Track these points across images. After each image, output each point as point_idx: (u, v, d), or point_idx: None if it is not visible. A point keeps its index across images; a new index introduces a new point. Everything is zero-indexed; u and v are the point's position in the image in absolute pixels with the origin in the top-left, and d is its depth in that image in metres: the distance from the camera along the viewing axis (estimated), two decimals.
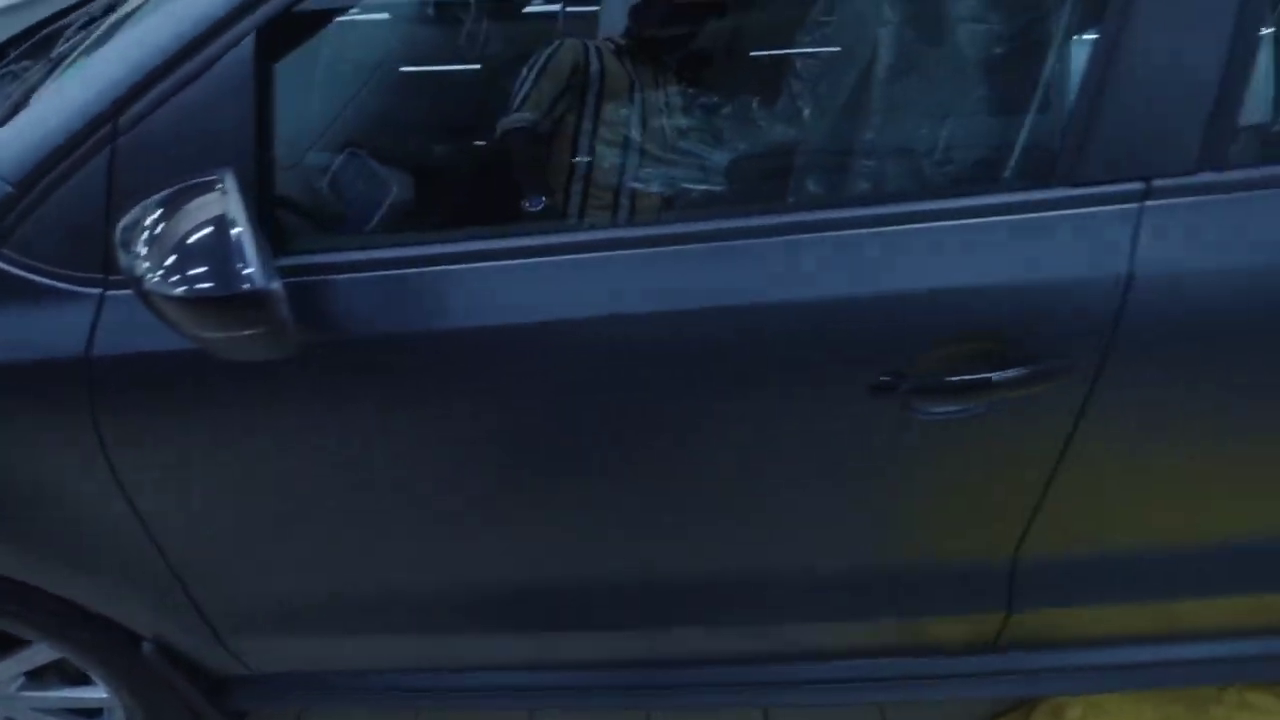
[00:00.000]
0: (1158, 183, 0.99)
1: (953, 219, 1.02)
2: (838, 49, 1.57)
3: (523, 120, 1.53)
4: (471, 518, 1.19)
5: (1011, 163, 1.09)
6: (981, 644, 1.37)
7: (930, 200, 1.05)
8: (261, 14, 0.93)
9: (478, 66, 1.63)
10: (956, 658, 1.40)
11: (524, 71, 1.51)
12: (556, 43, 1.49)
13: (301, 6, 0.96)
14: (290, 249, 1.04)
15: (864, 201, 1.16)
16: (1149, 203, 0.99)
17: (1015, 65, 1.15)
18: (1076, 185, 0.99)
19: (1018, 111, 1.08)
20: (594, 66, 1.60)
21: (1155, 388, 1.05)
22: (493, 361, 1.06)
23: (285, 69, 1.04)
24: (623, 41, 1.71)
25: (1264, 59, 1.05)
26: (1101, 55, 0.96)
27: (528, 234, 1.07)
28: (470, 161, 1.55)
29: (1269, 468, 1.15)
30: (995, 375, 1.03)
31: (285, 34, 0.99)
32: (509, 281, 1.04)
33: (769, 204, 1.25)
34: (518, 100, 1.54)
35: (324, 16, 1.06)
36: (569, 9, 1.87)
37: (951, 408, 1.06)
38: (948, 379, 1.04)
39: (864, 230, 1.03)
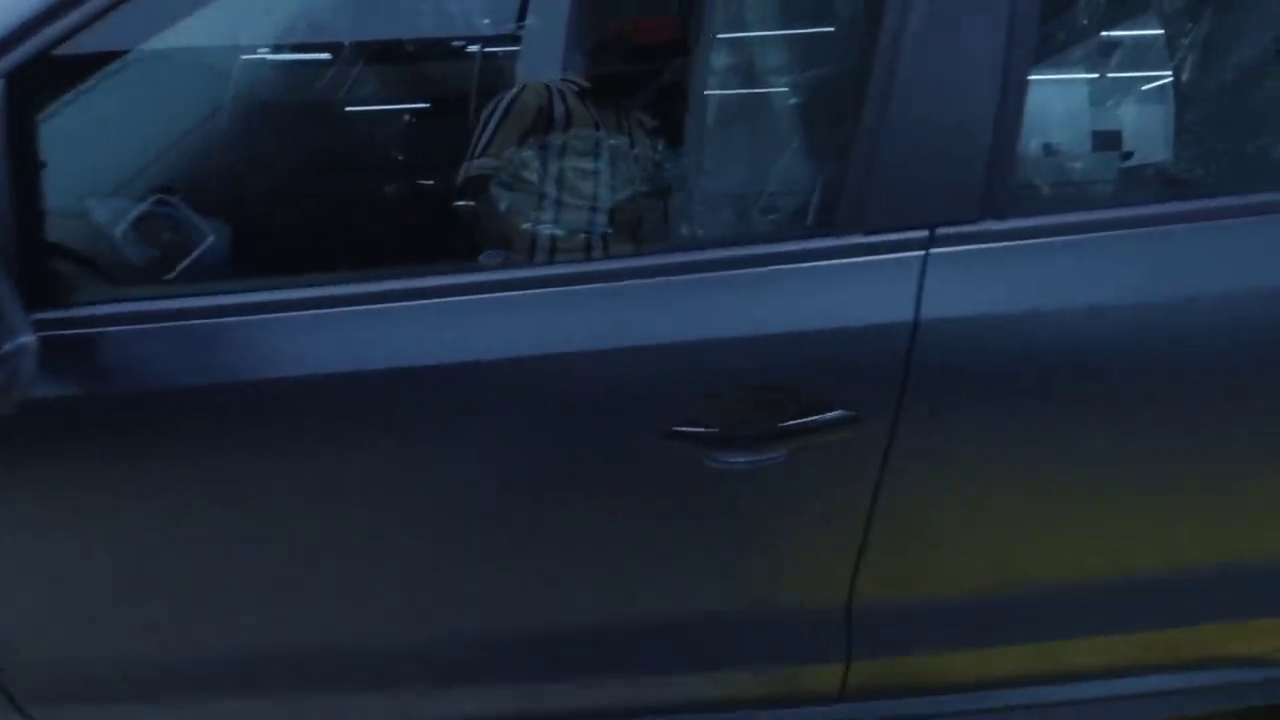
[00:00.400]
0: (941, 230, 0.99)
1: (750, 266, 1.01)
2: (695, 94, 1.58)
3: (486, 167, 1.48)
4: (275, 571, 1.14)
5: (810, 210, 1.09)
6: (827, 694, 1.35)
7: (730, 248, 1.04)
8: (9, 61, 0.90)
9: (312, 111, 1.60)
10: (806, 708, 1.37)
11: (485, 114, 1.46)
12: (520, 85, 1.44)
13: (61, 51, 0.93)
14: (66, 300, 1.00)
15: (667, 250, 1.15)
16: (934, 250, 0.99)
17: (812, 114, 1.15)
18: (867, 233, 0.99)
19: (815, 159, 1.08)
20: (558, 109, 1.57)
21: (954, 432, 1.04)
22: (298, 411, 1.02)
23: (69, 116, 1.00)
24: (585, 83, 1.69)
25: (1046, 112, 1.06)
26: (877, 105, 0.96)
27: (349, 282, 1.05)
28: (299, 209, 1.52)
29: (1080, 508, 1.14)
30: (791, 424, 1.01)
31: (45, 80, 0.95)
32: (327, 330, 1.01)
33: (581, 253, 1.24)
34: (479, 146, 1.50)
35: (97, 60, 1.03)
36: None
37: (751, 457, 1.04)
38: (743, 428, 1.02)
39: (661, 278, 1.01)
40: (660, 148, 1.77)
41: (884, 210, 0.98)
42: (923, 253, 0.98)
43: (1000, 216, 0.99)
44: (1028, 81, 0.95)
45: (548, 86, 1.47)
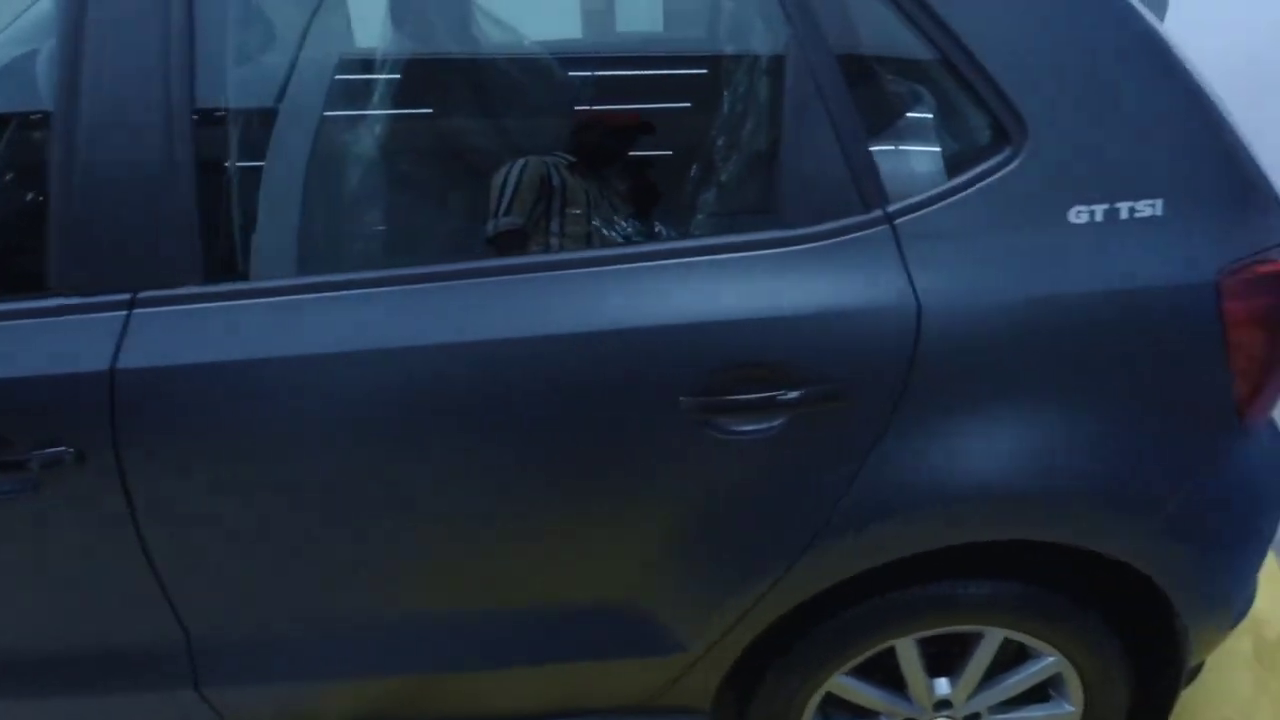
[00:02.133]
0: (143, 294, 1.16)
1: None
2: None
3: (513, 223, 1.70)
4: None
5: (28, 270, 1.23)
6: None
7: None
8: None
9: None
10: None
11: (501, 182, 1.70)
12: (524, 160, 1.69)
13: None
14: None
15: None
16: (136, 310, 1.16)
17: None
18: (81, 295, 1.17)
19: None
20: (555, 180, 1.80)
21: (173, 470, 1.19)
22: None
23: None
24: (574, 159, 1.95)
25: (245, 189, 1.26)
26: (64, 182, 1.14)
27: None
28: None
29: (310, 546, 1.27)
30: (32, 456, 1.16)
31: None
32: None
33: None
34: (504, 205, 1.72)
35: None
36: None
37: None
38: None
39: None
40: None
41: (91, 276, 1.16)
42: (124, 313, 1.16)
43: (201, 282, 1.16)
44: (195, 167, 1.15)
45: (545, 161, 1.73)
